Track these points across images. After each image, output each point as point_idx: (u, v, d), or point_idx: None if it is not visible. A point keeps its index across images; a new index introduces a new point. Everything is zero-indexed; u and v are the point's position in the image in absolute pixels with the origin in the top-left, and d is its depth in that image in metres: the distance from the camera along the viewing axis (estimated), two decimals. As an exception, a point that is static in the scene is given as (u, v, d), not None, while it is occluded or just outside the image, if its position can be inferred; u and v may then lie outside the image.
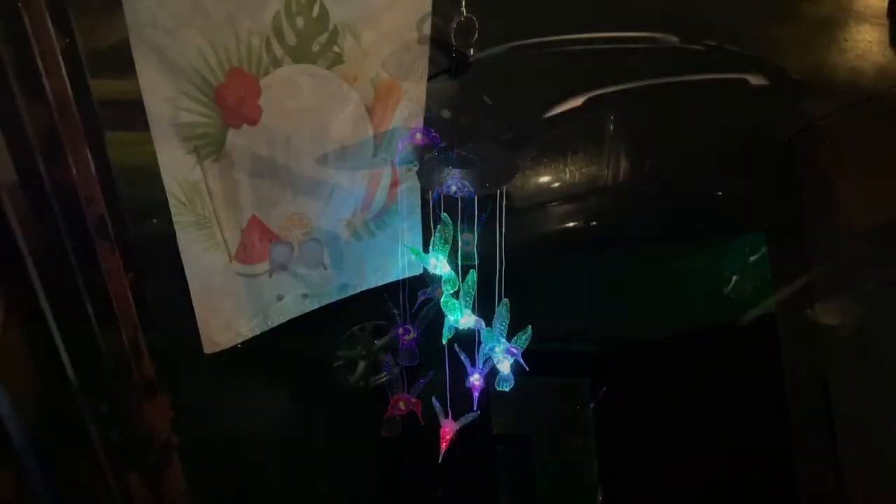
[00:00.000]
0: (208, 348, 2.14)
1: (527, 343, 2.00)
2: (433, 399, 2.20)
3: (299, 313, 2.28)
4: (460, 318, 1.99)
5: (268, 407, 4.15)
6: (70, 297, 1.51)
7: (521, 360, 2.00)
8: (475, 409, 2.17)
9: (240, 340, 2.20)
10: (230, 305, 2.12)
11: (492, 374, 2.09)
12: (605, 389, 3.30)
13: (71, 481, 1.45)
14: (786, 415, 2.88)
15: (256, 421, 4.00)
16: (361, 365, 4.12)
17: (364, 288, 2.39)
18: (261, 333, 2.30)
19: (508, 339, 2.02)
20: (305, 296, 2.26)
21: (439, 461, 2.24)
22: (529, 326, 1.99)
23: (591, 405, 3.23)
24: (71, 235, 1.52)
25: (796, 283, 3.51)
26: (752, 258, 4.90)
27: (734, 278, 4.92)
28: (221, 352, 2.23)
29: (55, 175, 1.49)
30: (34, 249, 1.26)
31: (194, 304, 2.04)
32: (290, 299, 2.24)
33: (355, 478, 3.71)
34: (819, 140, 3.35)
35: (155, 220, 4.94)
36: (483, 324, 2.01)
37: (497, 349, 1.99)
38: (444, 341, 2.06)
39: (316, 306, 2.30)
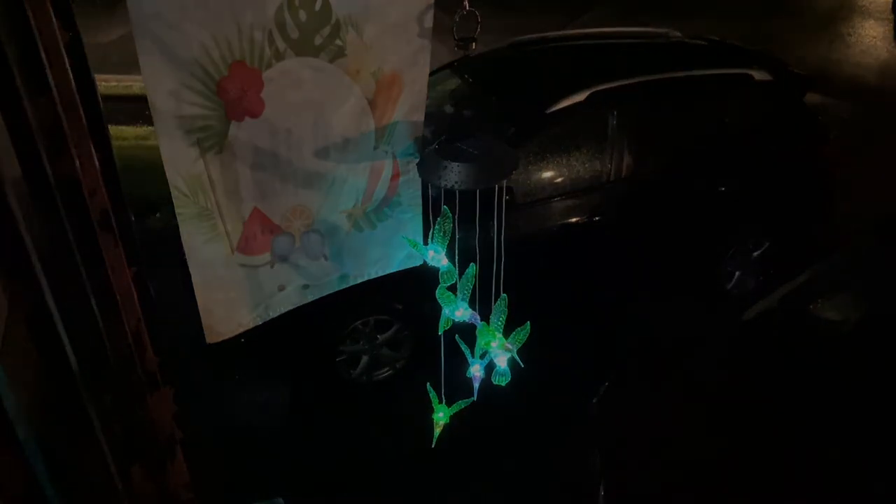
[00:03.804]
0: (210, 338, 2.15)
1: (525, 338, 2.01)
2: (428, 385, 2.22)
3: (300, 304, 2.29)
4: (456, 310, 2.01)
5: (271, 400, 4.17)
6: (73, 291, 1.51)
7: (517, 357, 2.01)
8: (475, 397, 2.19)
9: (241, 331, 2.21)
10: (232, 296, 2.14)
11: (491, 366, 2.11)
12: (607, 384, 3.30)
13: (74, 474, 1.45)
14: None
15: (260, 414, 4.03)
16: (364, 359, 4.13)
17: (364, 279, 2.40)
18: (265, 328, 2.31)
19: (508, 333, 2.03)
20: (306, 286, 2.27)
21: (433, 446, 2.27)
22: (528, 322, 2.00)
23: (594, 400, 3.24)
24: (74, 228, 1.52)
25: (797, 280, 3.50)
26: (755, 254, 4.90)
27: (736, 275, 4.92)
28: (225, 346, 2.24)
29: (59, 168, 1.50)
30: (38, 243, 1.26)
31: (197, 295, 2.05)
32: (291, 290, 2.25)
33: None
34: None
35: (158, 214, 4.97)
36: (478, 318, 2.02)
37: (493, 345, 2.00)
38: (441, 332, 2.09)
39: (316, 297, 2.31)
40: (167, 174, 1.84)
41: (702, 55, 4.98)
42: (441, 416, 2.25)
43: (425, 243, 2.07)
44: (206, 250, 2.00)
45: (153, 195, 2.64)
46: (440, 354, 2.13)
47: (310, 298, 2.31)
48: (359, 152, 2.13)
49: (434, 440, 2.29)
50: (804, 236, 4.99)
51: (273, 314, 2.26)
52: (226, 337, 2.18)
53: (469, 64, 4.56)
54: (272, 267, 2.16)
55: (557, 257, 4.28)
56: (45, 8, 1.52)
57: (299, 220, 2.14)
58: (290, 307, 2.28)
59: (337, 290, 2.36)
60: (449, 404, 2.25)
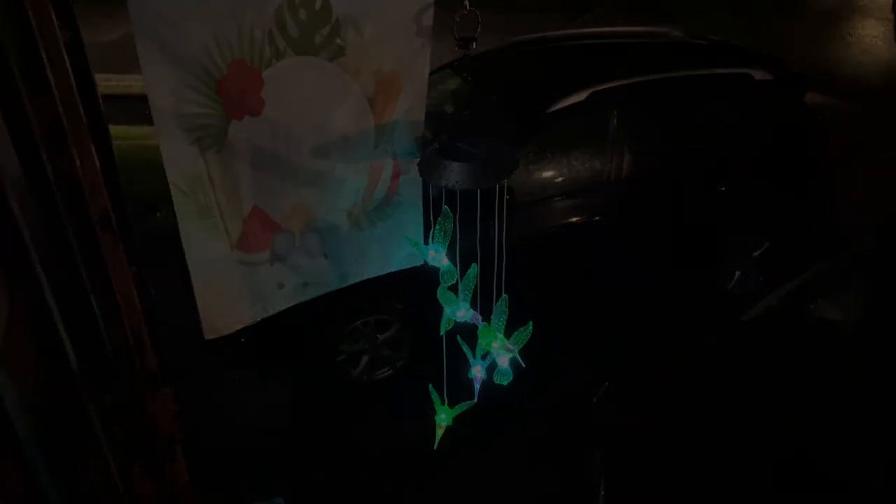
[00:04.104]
0: (209, 334, 2.16)
1: (527, 339, 2.01)
2: (430, 387, 2.21)
3: (299, 301, 2.30)
4: (457, 310, 2.01)
5: (271, 400, 4.17)
6: (74, 291, 1.51)
7: (518, 357, 2.01)
8: (475, 398, 2.19)
9: (240, 327, 2.22)
10: (231, 293, 2.15)
11: (492, 366, 2.11)
12: (607, 384, 3.30)
13: (75, 474, 1.45)
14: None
15: (260, 414, 4.02)
16: (364, 359, 4.13)
17: (364, 278, 2.41)
18: (265, 327, 2.31)
19: (509, 333, 2.03)
20: (305, 285, 2.28)
21: (435, 448, 2.27)
22: (531, 322, 2.00)
23: (594, 399, 3.23)
24: (74, 228, 1.52)
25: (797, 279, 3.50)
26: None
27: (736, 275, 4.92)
28: (225, 345, 2.24)
29: (59, 167, 1.50)
30: (38, 242, 1.26)
31: (195, 292, 2.06)
32: (290, 288, 2.26)
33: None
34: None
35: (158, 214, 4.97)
36: (480, 318, 2.02)
37: (495, 345, 2.00)
38: (443, 332, 2.08)
39: (316, 295, 2.33)
40: (167, 172, 1.85)
41: (702, 55, 4.98)
42: (443, 417, 2.24)
43: (426, 243, 2.07)
44: (206, 248, 2.01)
45: (153, 194, 2.64)
46: (442, 355, 2.13)
47: (309, 296, 2.32)
48: (359, 151, 2.13)
49: (436, 442, 2.28)
50: (804, 236, 4.98)
51: (272, 311, 2.27)
52: (224, 333, 2.19)
53: (469, 64, 4.55)
54: (271, 265, 2.17)
55: (558, 257, 4.28)
56: (45, 8, 1.52)
57: (299, 219, 2.14)
58: (290, 304, 2.30)
59: (336, 288, 2.36)
60: (450, 405, 2.24)
